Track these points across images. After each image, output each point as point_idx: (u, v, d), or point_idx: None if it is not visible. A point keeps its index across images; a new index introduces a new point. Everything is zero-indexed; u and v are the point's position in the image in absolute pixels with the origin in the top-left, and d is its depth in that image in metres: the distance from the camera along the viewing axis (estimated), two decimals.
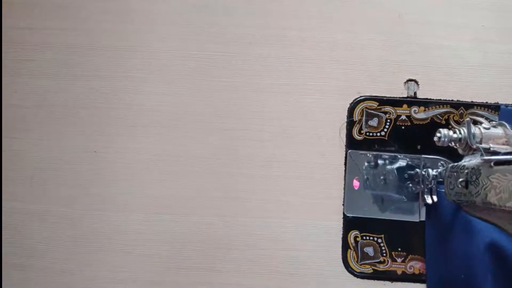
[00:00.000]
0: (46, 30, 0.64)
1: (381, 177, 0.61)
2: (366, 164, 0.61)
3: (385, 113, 0.61)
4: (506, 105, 0.59)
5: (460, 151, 0.52)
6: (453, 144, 0.51)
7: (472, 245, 0.55)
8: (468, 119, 0.49)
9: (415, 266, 0.60)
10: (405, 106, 0.61)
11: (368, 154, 0.61)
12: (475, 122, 0.57)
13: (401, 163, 0.60)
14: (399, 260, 0.60)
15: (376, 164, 0.61)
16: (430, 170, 0.58)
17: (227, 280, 0.62)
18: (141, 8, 0.64)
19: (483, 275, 0.54)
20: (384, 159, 0.61)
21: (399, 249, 0.60)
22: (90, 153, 0.64)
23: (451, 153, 0.56)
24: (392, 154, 0.61)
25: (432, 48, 0.61)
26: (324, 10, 0.62)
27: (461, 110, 0.60)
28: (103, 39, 0.64)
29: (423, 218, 0.58)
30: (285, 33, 0.62)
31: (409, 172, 0.60)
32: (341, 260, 0.61)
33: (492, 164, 0.45)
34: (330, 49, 0.62)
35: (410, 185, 0.60)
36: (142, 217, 0.63)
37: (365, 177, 0.61)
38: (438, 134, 0.51)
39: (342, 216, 0.61)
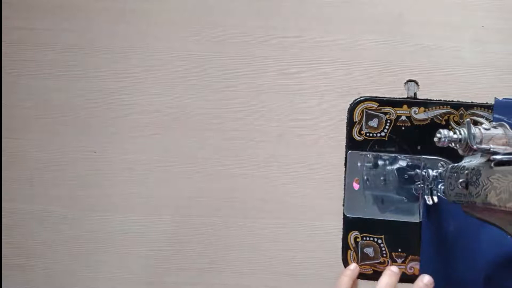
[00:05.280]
0: (46, 30, 0.64)
1: (381, 178, 0.61)
2: (366, 164, 0.61)
3: (385, 113, 0.61)
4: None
5: (460, 151, 0.52)
6: (453, 144, 0.51)
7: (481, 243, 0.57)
8: (468, 119, 0.49)
9: (415, 267, 0.60)
10: (405, 106, 0.61)
11: (368, 155, 0.61)
12: (475, 123, 0.57)
13: (401, 163, 0.60)
14: (399, 261, 0.60)
15: (376, 165, 0.61)
16: (430, 171, 0.58)
17: (227, 280, 0.62)
18: (141, 8, 0.63)
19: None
20: (384, 160, 0.61)
21: (399, 250, 0.60)
22: (90, 153, 0.64)
23: (450, 154, 0.56)
24: (392, 154, 0.61)
25: (432, 49, 0.61)
26: (324, 10, 0.62)
27: (461, 110, 0.60)
28: (103, 40, 0.64)
29: None
30: (285, 34, 0.62)
31: (409, 172, 0.60)
32: (341, 260, 0.61)
33: (492, 164, 0.45)
34: (330, 49, 0.62)
35: (410, 185, 0.60)
36: (142, 217, 0.63)
37: (365, 177, 0.61)
38: (438, 135, 0.51)
39: (342, 216, 0.61)
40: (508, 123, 0.51)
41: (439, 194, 0.57)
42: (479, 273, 0.57)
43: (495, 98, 0.59)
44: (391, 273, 0.57)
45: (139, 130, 0.63)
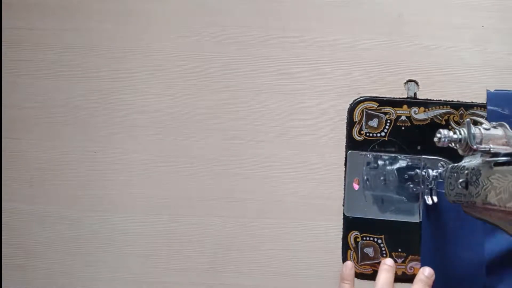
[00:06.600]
0: (46, 30, 0.64)
1: (381, 178, 0.61)
2: (366, 164, 0.61)
3: (385, 113, 0.61)
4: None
5: (460, 151, 0.52)
6: (453, 144, 0.51)
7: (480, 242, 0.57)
8: (468, 119, 0.49)
9: (415, 267, 0.60)
10: (405, 106, 0.61)
11: (368, 155, 0.61)
12: (475, 123, 0.57)
13: (401, 163, 0.60)
14: (399, 260, 0.60)
15: (376, 165, 0.61)
16: (430, 171, 0.58)
17: (227, 280, 0.62)
18: (141, 8, 0.64)
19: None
20: (384, 160, 0.61)
21: (399, 250, 0.60)
22: (90, 153, 0.64)
23: (450, 154, 0.56)
24: (392, 154, 0.61)
25: (432, 49, 0.61)
26: (324, 11, 0.62)
27: (461, 110, 0.60)
28: (103, 40, 0.64)
29: None
30: (285, 34, 0.62)
31: (409, 172, 0.60)
32: (341, 260, 0.61)
33: (492, 164, 0.45)
34: (330, 49, 0.62)
35: (411, 185, 0.60)
36: (142, 217, 0.63)
37: (365, 177, 0.61)
38: (438, 135, 0.51)
39: (342, 216, 0.61)
40: (507, 121, 0.51)
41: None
42: (478, 273, 0.57)
43: (487, 90, 0.59)
44: (387, 267, 0.57)
45: (139, 130, 0.63)
